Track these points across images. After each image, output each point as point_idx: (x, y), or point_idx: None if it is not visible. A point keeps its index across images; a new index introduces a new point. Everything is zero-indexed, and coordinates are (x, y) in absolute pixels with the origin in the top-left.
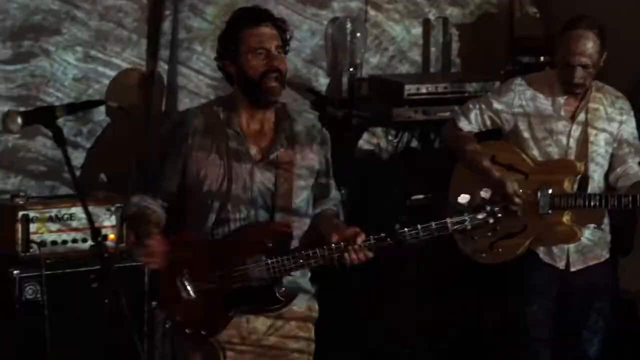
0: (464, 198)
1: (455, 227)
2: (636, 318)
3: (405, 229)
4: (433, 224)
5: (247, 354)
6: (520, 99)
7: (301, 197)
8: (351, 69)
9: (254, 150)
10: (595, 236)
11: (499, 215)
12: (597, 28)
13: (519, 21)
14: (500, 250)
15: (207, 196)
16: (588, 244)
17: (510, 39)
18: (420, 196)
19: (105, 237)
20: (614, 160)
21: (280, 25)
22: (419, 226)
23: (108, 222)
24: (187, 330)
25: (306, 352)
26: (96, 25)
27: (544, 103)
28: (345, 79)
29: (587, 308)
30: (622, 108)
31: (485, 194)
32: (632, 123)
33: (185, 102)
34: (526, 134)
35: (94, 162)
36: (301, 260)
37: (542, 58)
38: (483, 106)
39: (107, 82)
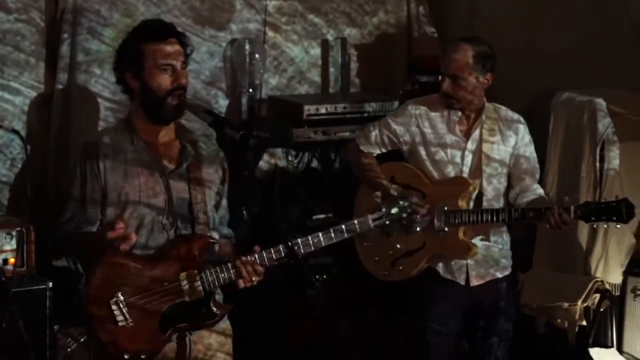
0: (377, 196)
1: (375, 222)
2: (536, 333)
3: (330, 229)
4: (355, 221)
5: None
6: (417, 120)
7: (210, 208)
8: (250, 90)
9: (165, 161)
10: (494, 251)
11: (409, 210)
12: (476, 45)
13: (417, 41)
14: (401, 268)
15: (130, 213)
16: (487, 259)
17: (408, 58)
18: (321, 216)
19: (5, 261)
20: (512, 179)
21: (184, 40)
22: (342, 225)
23: (8, 246)
24: (125, 356)
25: None
26: None
27: (439, 123)
28: (244, 100)
29: (491, 323)
30: (518, 128)
31: (377, 199)
32: (528, 142)
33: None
34: (423, 154)
35: None
36: (232, 271)
37: (440, 77)
38: (382, 128)
39: (5, 105)
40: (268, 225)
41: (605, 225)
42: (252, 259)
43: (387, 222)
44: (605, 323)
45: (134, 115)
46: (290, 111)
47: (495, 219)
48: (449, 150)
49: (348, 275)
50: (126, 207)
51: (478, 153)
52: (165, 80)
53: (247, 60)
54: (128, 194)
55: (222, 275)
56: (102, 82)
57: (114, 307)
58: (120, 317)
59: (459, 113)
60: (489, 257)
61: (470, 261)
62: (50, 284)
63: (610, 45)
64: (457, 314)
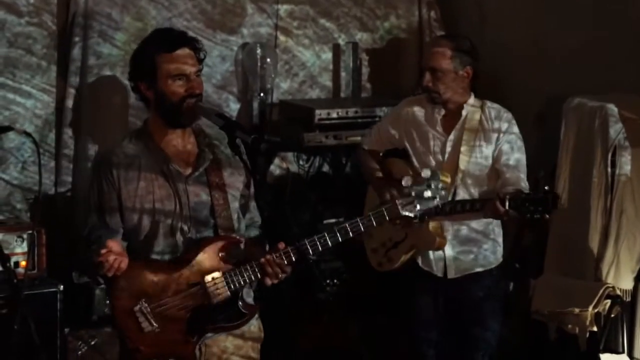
0: (407, 180)
1: (405, 208)
2: (547, 339)
3: (357, 219)
4: (383, 209)
5: None
6: (405, 118)
7: (234, 211)
8: (262, 94)
9: (181, 167)
10: (464, 261)
11: (443, 192)
12: (455, 40)
13: (428, 45)
14: (388, 259)
15: (146, 219)
16: (466, 253)
17: (419, 63)
18: (332, 220)
19: (17, 264)
20: (497, 173)
21: (196, 46)
22: (370, 214)
23: (20, 249)
24: None
25: None
26: (5, 52)
27: (423, 121)
28: (255, 104)
29: (469, 330)
30: (503, 124)
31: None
32: (508, 150)
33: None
34: (410, 150)
35: (4, 188)
36: (257, 270)
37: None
38: (380, 127)
39: (17, 109)
40: (279, 229)
41: (536, 215)
42: (277, 255)
43: (418, 206)
44: (616, 329)
45: (150, 122)
46: (301, 115)
47: (452, 210)
48: (430, 146)
49: (358, 280)
50: (141, 213)
51: (457, 148)
52: (178, 89)
53: (259, 64)
54: (142, 200)
55: (247, 274)
56: None
57: (138, 314)
58: (145, 324)
59: (443, 111)
60: (457, 268)
61: (451, 254)
62: (61, 286)
63: (619, 46)
64: (439, 304)
